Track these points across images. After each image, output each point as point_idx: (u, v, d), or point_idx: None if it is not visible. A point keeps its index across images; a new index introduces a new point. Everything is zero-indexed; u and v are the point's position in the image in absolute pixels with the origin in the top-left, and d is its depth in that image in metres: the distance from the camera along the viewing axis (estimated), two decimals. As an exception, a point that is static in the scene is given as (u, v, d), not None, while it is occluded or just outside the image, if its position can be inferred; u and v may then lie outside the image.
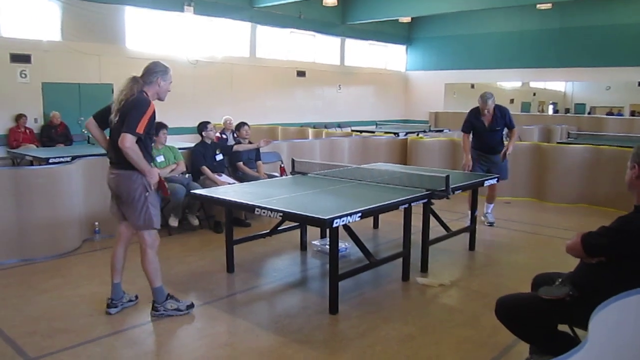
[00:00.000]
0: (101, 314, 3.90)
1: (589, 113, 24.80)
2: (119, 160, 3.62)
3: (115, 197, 3.80)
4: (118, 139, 3.49)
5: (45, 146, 10.25)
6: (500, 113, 6.43)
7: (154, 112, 3.62)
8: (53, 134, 10.74)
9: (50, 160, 7.04)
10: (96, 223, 5.83)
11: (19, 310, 3.99)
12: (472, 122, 6.48)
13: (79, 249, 5.53)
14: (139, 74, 3.72)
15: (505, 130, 6.61)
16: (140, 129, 3.51)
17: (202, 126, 6.76)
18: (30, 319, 3.84)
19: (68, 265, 5.07)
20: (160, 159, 6.22)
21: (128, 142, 3.46)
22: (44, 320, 3.81)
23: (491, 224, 6.72)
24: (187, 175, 6.47)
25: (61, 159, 6.97)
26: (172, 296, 3.90)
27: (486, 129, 6.43)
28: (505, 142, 6.55)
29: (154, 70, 3.70)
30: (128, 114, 3.49)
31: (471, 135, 6.62)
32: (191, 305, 3.93)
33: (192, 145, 7.16)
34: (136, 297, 4.10)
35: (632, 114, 23.44)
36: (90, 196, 5.76)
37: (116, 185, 3.70)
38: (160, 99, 3.80)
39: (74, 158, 6.46)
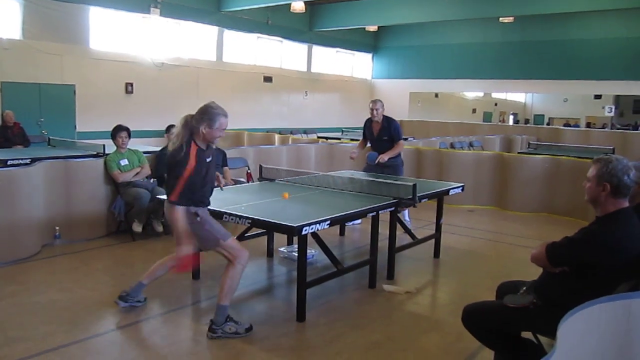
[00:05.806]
0: (61, 322, 3.78)
1: (547, 124, 25.59)
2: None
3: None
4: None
5: (1, 147, 9.89)
6: (387, 124, 6.57)
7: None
8: (9, 135, 10.37)
9: (9, 162, 6.80)
10: (57, 228, 5.66)
11: (-26, 319, 3.83)
12: (364, 130, 6.79)
13: (38, 254, 5.34)
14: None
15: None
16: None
17: (168, 129, 6.66)
18: (-15, 328, 3.69)
19: (26, 271, 4.89)
20: (124, 162, 6.10)
21: None
22: (0, 329, 3.67)
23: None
24: (152, 180, 6.36)
25: (20, 161, 6.74)
26: (231, 318, 3.67)
27: (374, 138, 6.68)
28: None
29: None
30: None
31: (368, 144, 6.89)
32: (250, 328, 3.69)
33: (157, 149, 7.04)
34: (145, 299, 4.14)
35: (588, 125, 24.35)
36: (51, 200, 5.60)
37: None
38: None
39: (33, 160, 6.30)
